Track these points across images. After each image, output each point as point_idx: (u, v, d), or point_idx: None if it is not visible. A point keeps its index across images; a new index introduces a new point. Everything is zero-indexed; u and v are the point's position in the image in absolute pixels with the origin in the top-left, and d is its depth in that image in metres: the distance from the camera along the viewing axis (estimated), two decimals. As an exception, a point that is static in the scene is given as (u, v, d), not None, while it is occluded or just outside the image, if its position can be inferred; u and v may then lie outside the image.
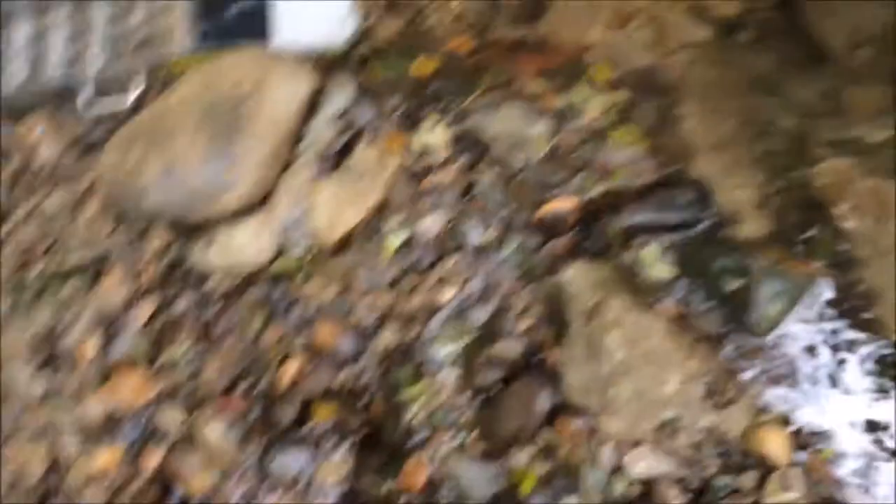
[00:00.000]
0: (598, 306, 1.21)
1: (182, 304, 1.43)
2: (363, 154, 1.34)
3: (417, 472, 1.28)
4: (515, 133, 1.33)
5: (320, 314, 1.38)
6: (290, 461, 1.36)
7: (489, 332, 1.30)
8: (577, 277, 1.24)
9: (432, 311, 1.32)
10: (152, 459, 1.41)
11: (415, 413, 1.30)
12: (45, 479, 1.50)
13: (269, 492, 1.35)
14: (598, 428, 1.18)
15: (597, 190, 1.29)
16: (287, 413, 1.36)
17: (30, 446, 1.51)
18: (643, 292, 1.25)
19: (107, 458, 1.43)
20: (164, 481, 1.41)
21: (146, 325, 1.44)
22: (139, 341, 1.42)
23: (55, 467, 1.51)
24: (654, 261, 1.24)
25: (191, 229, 1.39)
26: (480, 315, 1.31)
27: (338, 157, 1.36)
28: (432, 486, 1.27)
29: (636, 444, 1.17)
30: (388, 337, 1.34)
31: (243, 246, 1.38)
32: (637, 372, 1.16)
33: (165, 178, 1.31)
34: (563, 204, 1.28)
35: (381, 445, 1.33)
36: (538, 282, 1.28)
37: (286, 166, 1.35)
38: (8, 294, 1.50)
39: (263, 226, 1.37)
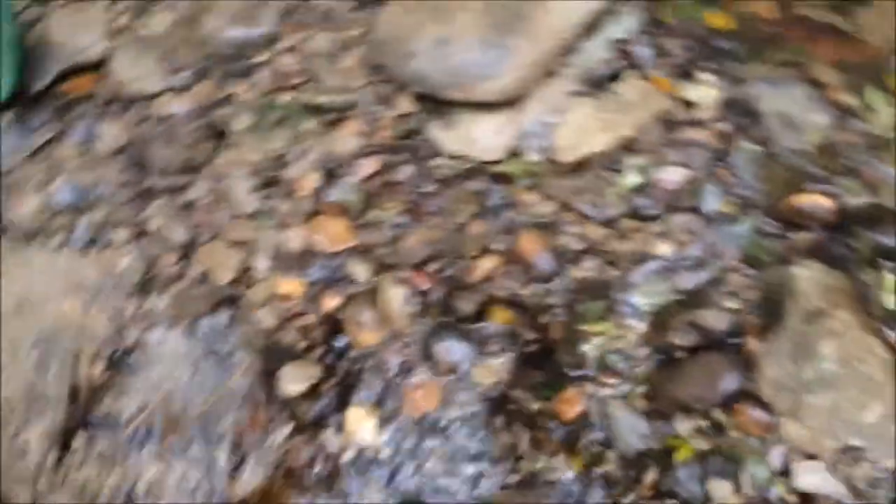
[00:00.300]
0: (823, 311, 1.27)
1: (404, 173, 1.63)
2: (628, 87, 1.46)
3: (574, 402, 1.41)
4: (792, 115, 1.40)
5: (529, 225, 1.52)
6: (454, 349, 1.54)
7: (694, 299, 1.39)
8: (810, 277, 1.30)
9: (641, 259, 1.43)
10: (330, 302, 1.63)
11: (590, 348, 1.42)
12: (228, 286, 1.76)
13: (423, 369, 1.53)
14: (778, 428, 1.25)
15: (860, 199, 1.34)
16: (466, 305, 1.53)
17: (224, 253, 1.78)
18: (873, 316, 1.30)
19: (291, 287, 1.67)
20: (333, 326, 1.63)
21: (365, 180, 1.65)
22: (354, 193, 1.63)
23: (240, 280, 1.77)
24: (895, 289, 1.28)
25: (438, 105, 1.58)
26: (690, 280, 1.40)
27: (602, 82, 1.49)
28: (583, 420, 1.39)
29: (811, 456, 1.24)
30: (588, 268, 1.47)
31: (481, 137, 1.55)
32: (841, 389, 1.22)
33: (435, 49, 1.49)
34: (820, 200, 1.34)
35: (546, 366, 1.47)
36: (763, 268, 1.35)
37: (549, 74, 1.49)
38: (253, 112, 1.76)
39: (508, 124, 1.53)
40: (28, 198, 1.86)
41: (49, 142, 1.84)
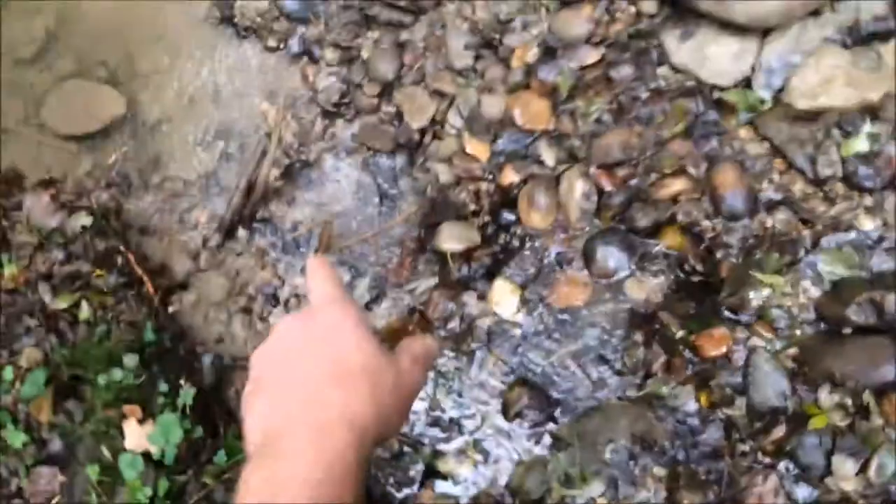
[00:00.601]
0: None
1: (623, 72, 1.75)
2: (892, 51, 1.49)
3: (720, 342, 1.54)
4: None
5: (731, 159, 1.62)
6: (615, 257, 1.69)
7: (882, 281, 1.46)
8: None
9: (840, 228, 1.51)
10: (510, 177, 1.81)
11: (756, 297, 1.53)
12: (417, 132, 1.96)
13: (579, 266, 1.69)
14: (926, 429, 1.33)
15: None
16: (643, 219, 1.67)
17: (424, 100, 1.99)
18: None
19: (478, 150, 1.86)
20: (506, 200, 1.82)
21: (583, 68, 1.78)
22: (568, 77, 1.77)
23: (430, 130, 1.97)
24: None
25: (684, 13, 1.68)
26: (885, 262, 1.47)
27: (865, 38, 1.53)
28: (723, 361, 1.52)
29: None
30: (780, 220, 1.56)
31: (716, 58, 1.64)
32: None
33: (701, -45, 1.57)
34: None
35: (703, 300, 1.60)
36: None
37: (814, 13, 1.55)
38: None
39: (748, 52, 1.62)
40: (259, -3, 2.12)
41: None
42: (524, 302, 1.77)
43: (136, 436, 1.50)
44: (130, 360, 1.57)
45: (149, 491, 1.45)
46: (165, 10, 2.27)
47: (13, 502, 1.51)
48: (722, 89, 1.73)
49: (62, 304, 1.75)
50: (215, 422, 1.66)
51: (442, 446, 1.67)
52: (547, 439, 1.62)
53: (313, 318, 0.63)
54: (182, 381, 1.61)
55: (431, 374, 1.74)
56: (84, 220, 1.88)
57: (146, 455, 1.49)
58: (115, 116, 2.23)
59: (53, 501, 1.48)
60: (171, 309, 1.89)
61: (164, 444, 1.44)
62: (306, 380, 0.58)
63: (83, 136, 2.23)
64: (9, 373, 1.59)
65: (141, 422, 1.53)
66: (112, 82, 2.25)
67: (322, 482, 0.52)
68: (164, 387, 1.58)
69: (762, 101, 1.69)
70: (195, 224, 2.13)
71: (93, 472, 1.46)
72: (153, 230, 2.10)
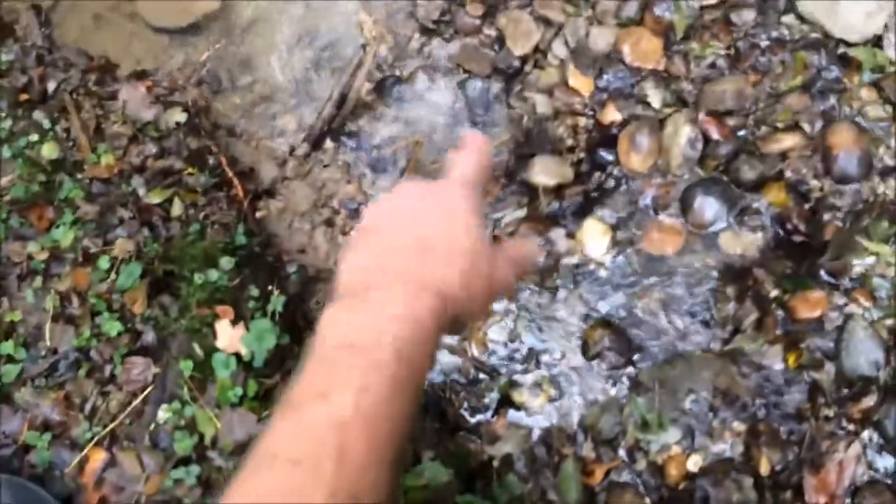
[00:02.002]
0: None
1: (744, 16, 1.69)
2: None
3: (816, 305, 1.52)
4: None
5: (849, 119, 1.56)
6: (714, 208, 1.67)
7: None
8: None
9: (959, 203, 1.46)
10: (612, 115, 1.78)
11: (858, 263, 1.50)
12: (517, 58, 1.92)
13: (675, 213, 1.66)
14: None
15: None
16: (748, 172, 1.64)
17: (528, 26, 1.96)
18: None
19: (580, 84, 1.83)
20: (605, 138, 1.80)
21: (702, 7, 1.71)
22: (685, 17, 1.71)
23: (532, 58, 1.93)
24: None
25: None
26: None
27: None
28: (817, 325, 1.50)
29: None
30: (891, 186, 1.52)
31: (848, 13, 1.59)
32: None
33: None
34: None
35: (801, 261, 1.57)
36: None
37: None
38: None
39: (885, 9, 1.54)
40: None
41: None
42: (614, 243, 1.76)
43: (228, 336, 1.54)
44: (227, 262, 1.59)
45: (239, 391, 1.48)
46: None
47: (107, 388, 1.57)
48: (849, 45, 1.67)
49: (155, 198, 1.76)
50: (300, 331, 1.68)
51: (518, 377, 1.69)
52: (625, 382, 1.63)
53: (439, 191, 0.63)
54: (271, 288, 1.63)
55: (513, 306, 1.75)
56: (179, 116, 1.88)
57: (237, 356, 1.52)
58: (207, 12, 2.20)
59: (146, 390, 1.53)
60: (258, 214, 1.90)
61: (256, 348, 1.47)
62: (412, 243, 0.59)
63: (175, 29, 2.21)
64: (104, 262, 1.62)
65: (233, 323, 1.56)
66: (208, -24, 2.22)
67: (405, 339, 0.52)
68: (254, 291, 1.61)
69: (891, 62, 1.62)
70: (283, 131, 2.12)
71: (186, 367, 1.50)
72: (241, 133, 2.10)
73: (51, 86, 1.93)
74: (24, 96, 1.91)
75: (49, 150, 1.76)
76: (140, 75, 2.06)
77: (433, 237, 0.59)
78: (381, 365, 0.51)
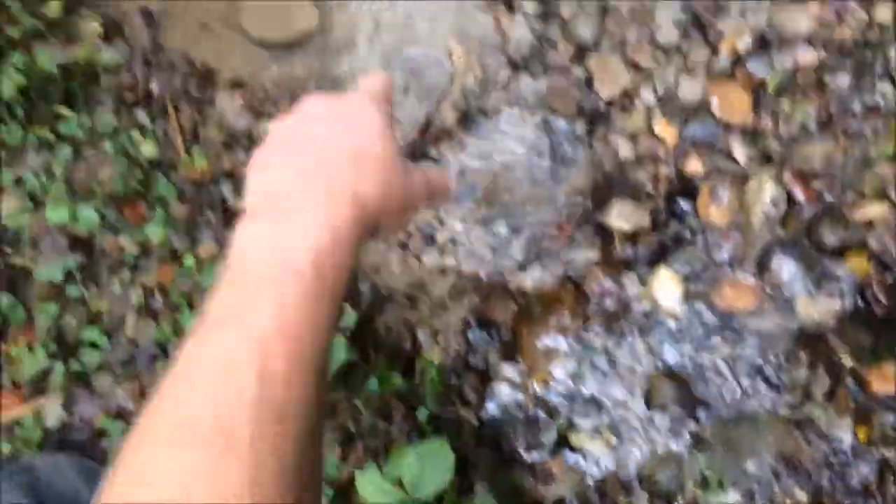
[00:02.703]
0: None
1: (840, 81, 1.68)
2: None
3: (893, 380, 1.48)
4: None
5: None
6: (791, 270, 1.65)
7: None
8: None
9: None
10: (695, 165, 1.78)
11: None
12: (604, 101, 1.93)
13: (751, 271, 1.65)
14: None
15: None
16: (830, 237, 1.61)
17: (618, 70, 1.97)
18: None
19: (666, 132, 1.84)
20: (685, 188, 1.79)
21: (797, 68, 1.70)
22: (779, 74, 1.71)
23: (619, 102, 1.93)
24: None
25: None
26: None
27: None
28: (891, 402, 1.47)
29: None
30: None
31: (950, 85, 1.54)
32: None
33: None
34: None
35: (882, 335, 1.54)
36: None
37: None
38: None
39: None
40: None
41: None
42: (686, 295, 1.75)
43: (300, 347, 1.57)
44: (306, 275, 1.63)
45: (306, 402, 1.52)
46: (374, -67, 2.28)
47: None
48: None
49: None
50: (367, 349, 1.72)
51: (578, 420, 1.69)
52: (687, 437, 1.62)
53: (346, 102, 0.62)
54: (345, 304, 1.67)
55: (579, 347, 1.76)
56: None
57: (306, 367, 1.55)
58: (306, 30, 2.27)
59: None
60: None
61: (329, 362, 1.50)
62: (322, 150, 0.57)
63: (273, 44, 2.28)
64: (189, 260, 1.68)
65: (305, 334, 1.60)
66: (310, -4, 2.29)
67: (322, 250, 0.51)
68: (329, 305, 1.64)
69: None
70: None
71: (257, 372, 1.53)
72: (327, 149, 2.15)
73: (154, 87, 2.01)
74: (128, 95, 1.99)
75: (148, 149, 1.83)
76: (237, 85, 2.13)
77: (344, 146, 0.58)
78: (298, 277, 0.49)
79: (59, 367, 1.63)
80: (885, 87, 1.72)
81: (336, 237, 0.52)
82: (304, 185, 0.55)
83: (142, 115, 1.96)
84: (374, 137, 0.59)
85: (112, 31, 2.18)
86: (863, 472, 1.51)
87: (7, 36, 1.91)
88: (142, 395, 1.63)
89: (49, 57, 1.83)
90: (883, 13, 1.72)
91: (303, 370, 0.47)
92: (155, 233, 1.71)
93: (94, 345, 1.65)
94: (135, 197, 1.81)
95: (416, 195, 0.62)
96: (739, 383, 1.65)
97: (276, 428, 0.44)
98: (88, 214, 1.70)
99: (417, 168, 0.64)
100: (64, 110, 1.89)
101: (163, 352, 1.65)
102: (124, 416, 1.61)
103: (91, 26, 2.07)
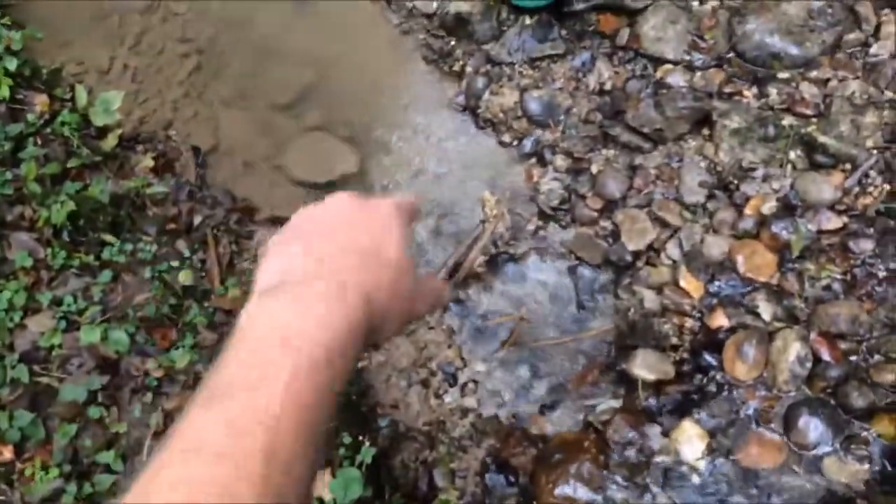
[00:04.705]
0: None
1: (863, 245, 1.78)
2: None
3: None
4: None
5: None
6: (818, 430, 1.69)
7: None
8: None
9: None
10: (720, 321, 1.84)
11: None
12: (630, 254, 2.00)
13: (778, 430, 1.65)
14: None
15: None
16: (858, 399, 1.67)
17: (645, 225, 2.07)
18: None
19: (691, 286, 1.89)
20: (711, 342, 1.83)
21: (820, 232, 1.78)
22: (803, 237, 1.79)
23: (645, 255, 2.01)
24: None
25: None
26: None
27: None
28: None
29: None
30: None
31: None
32: None
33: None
34: None
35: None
36: None
37: None
38: (748, 118, 1.96)
39: None
40: (507, 92, 2.27)
41: (553, 56, 2.22)
42: (710, 450, 1.75)
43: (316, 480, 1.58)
44: (328, 406, 1.66)
45: (316, 537, 1.51)
46: (416, 86, 2.47)
47: None
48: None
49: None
50: (381, 485, 1.72)
51: (597, 572, 1.65)
52: None
53: (372, 205, 0.64)
54: (362, 438, 1.68)
55: (599, 498, 1.74)
56: (304, 262, 2.03)
57: (319, 501, 1.56)
58: (346, 173, 2.42)
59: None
60: (360, 364, 1.99)
61: (341, 496, 1.51)
62: (339, 244, 0.58)
63: (314, 184, 2.43)
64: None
65: (320, 467, 1.61)
66: (351, 141, 2.45)
67: (336, 343, 0.51)
68: (346, 439, 1.67)
69: None
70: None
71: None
72: (356, 286, 2.24)
73: (196, 220, 2.14)
74: (171, 225, 2.12)
75: (185, 277, 1.93)
76: (276, 221, 2.26)
77: (359, 243, 0.59)
78: (311, 365, 0.49)
79: (70, 488, 1.65)
80: (907, 253, 1.78)
81: (348, 332, 0.53)
82: (322, 274, 0.56)
83: (182, 245, 2.07)
84: (392, 246, 0.60)
85: (162, 165, 2.34)
86: None
87: (64, 166, 2.06)
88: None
89: (101, 187, 1.97)
90: (908, 187, 1.82)
91: (304, 456, 0.47)
92: (181, 358, 1.77)
93: (108, 468, 1.67)
94: (166, 322, 1.88)
95: (419, 309, 0.65)
96: (764, 546, 1.62)
97: None
98: (119, 336, 1.77)
99: (424, 281, 0.67)
100: (109, 237, 2.00)
101: (178, 477, 1.66)
102: (132, 543, 1.61)
103: (143, 160, 2.24)
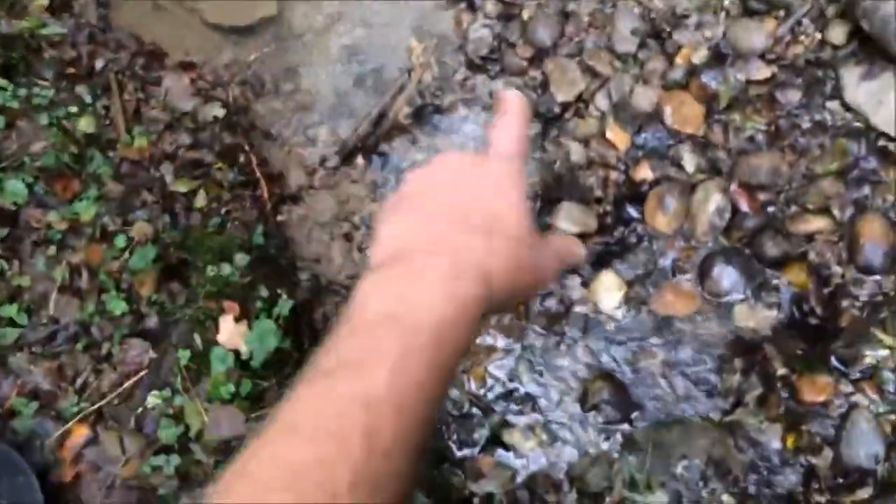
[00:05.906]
0: None
1: (789, 96, 1.78)
2: None
3: (822, 391, 1.59)
4: None
5: (881, 212, 1.60)
6: (732, 279, 1.72)
7: None
8: None
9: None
10: (644, 173, 1.83)
11: (871, 355, 1.53)
12: (558, 104, 1.97)
13: (692, 279, 1.70)
14: None
15: None
16: (772, 248, 1.69)
17: (574, 75, 2.02)
18: None
19: (618, 138, 1.90)
20: (634, 194, 1.83)
21: (749, 82, 1.77)
22: (730, 88, 1.77)
23: (573, 106, 1.98)
24: None
25: (874, 53, 1.69)
26: None
27: None
28: (820, 410, 1.52)
29: None
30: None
31: (894, 105, 1.61)
32: None
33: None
34: None
35: (814, 344, 1.59)
36: None
37: None
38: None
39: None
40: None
41: None
42: (627, 299, 1.79)
43: (230, 332, 1.58)
44: (241, 259, 1.64)
45: (231, 388, 1.52)
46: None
47: (101, 366, 1.60)
48: (890, 139, 1.71)
49: (181, 187, 1.82)
50: (301, 338, 1.72)
51: (511, 418, 1.72)
52: (618, 438, 1.65)
53: (485, 164, 0.60)
54: (280, 291, 1.67)
55: (518, 346, 1.78)
56: (217, 110, 1.95)
57: (235, 353, 1.56)
58: (265, 16, 2.29)
59: (140, 374, 1.57)
60: (279, 218, 1.96)
61: (257, 348, 1.50)
62: (457, 216, 0.56)
63: (229, 28, 2.30)
64: (121, 241, 1.68)
65: (237, 320, 1.60)
66: (270, -16, 2.31)
67: (447, 322, 0.50)
68: (264, 292, 1.65)
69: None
70: (317, 141, 2.19)
71: (183, 356, 1.54)
72: (276, 137, 2.17)
73: (98, 64, 2.01)
74: (70, 70, 1.99)
75: (86, 124, 1.83)
76: (186, 66, 2.14)
77: (477, 213, 0.57)
78: (419, 346, 0.49)
79: (-27, 343, 1.61)
80: (833, 105, 1.79)
81: (460, 313, 0.51)
82: (434, 250, 0.54)
83: (82, 91, 1.96)
84: (510, 215, 0.57)
85: (59, 5, 2.18)
86: (790, 478, 1.55)
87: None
88: (60, 375, 1.61)
89: (-11, 25, 1.83)
90: (836, 35, 1.79)
91: (405, 444, 0.46)
92: (86, 210, 1.71)
93: (12, 322, 1.63)
94: (67, 172, 1.80)
95: (545, 275, 0.61)
96: (674, 387, 1.69)
97: (373, 495, 0.45)
98: (16, 186, 1.69)
99: (549, 242, 0.62)
100: (1, 81, 1.87)
101: (85, 331, 1.63)
102: (39, 397, 1.59)
103: (37, -1, 2.07)
